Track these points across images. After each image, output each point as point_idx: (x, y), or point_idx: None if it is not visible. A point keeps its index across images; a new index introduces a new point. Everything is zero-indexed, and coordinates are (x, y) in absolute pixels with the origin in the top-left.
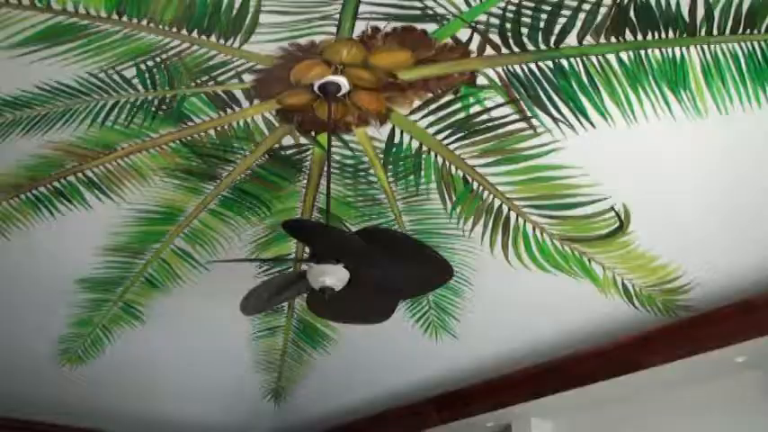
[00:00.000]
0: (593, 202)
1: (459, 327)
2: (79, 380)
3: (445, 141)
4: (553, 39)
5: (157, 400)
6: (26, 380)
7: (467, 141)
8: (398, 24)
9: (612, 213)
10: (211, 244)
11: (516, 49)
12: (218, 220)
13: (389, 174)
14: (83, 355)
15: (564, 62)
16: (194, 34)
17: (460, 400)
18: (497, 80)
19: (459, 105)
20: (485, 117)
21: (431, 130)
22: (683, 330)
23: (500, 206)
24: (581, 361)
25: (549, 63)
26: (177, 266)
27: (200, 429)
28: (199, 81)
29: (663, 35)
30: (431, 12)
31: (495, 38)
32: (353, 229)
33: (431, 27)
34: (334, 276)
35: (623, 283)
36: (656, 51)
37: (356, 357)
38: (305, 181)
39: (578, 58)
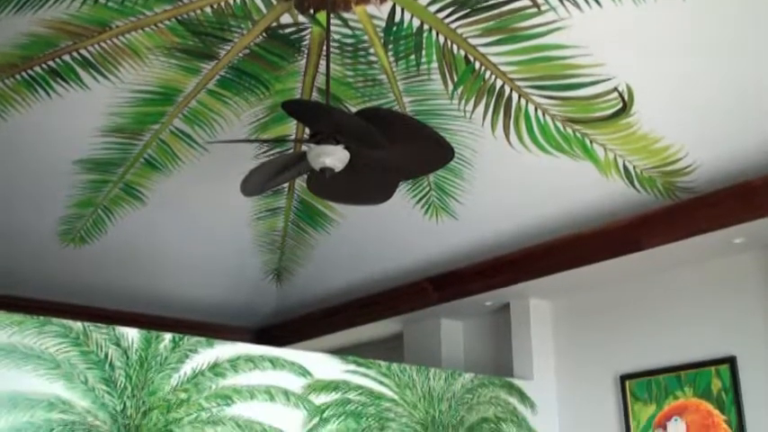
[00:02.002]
0: (596, 82)
1: (459, 208)
2: (82, 259)
3: (447, 19)
4: None
5: (160, 280)
6: (28, 259)
7: (469, 20)
8: None
9: (616, 94)
10: (210, 125)
11: None
12: (217, 101)
13: (390, 53)
14: (85, 235)
15: None
16: None
17: (459, 280)
18: None
19: None
20: None
21: (432, 8)
22: (683, 212)
23: (502, 86)
24: (580, 242)
25: None
26: (177, 148)
27: (203, 308)
28: None
29: None
30: None
31: None
32: (354, 110)
33: None
34: (334, 157)
35: (624, 165)
36: None
37: (356, 238)
38: (304, 61)
39: None
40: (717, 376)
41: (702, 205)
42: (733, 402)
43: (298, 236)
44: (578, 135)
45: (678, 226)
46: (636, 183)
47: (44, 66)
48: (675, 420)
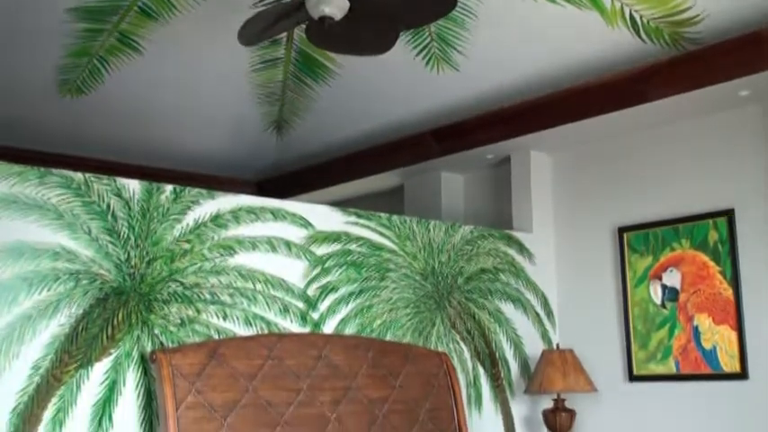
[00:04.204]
0: None
1: (461, 59)
2: (80, 111)
3: None
4: None
5: (159, 132)
6: (26, 110)
7: None
8: None
9: None
10: None
11: None
12: None
13: None
14: (82, 85)
15: None
16: None
17: (460, 132)
18: None
19: None
20: None
21: None
22: (689, 63)
23: None
24: (584, 94)
25: None
26: None
27: (203, 160)
28: None
29: None
30: None
31: None
32: None
33: None
34: (333, 5)
35: (631, 15)
36: None
37: (357, 89)
38: None
39: None
40: (714, 228)
41: (709, 56)
42: (728, 254)
43: (297, 87)
44: None
45: (684, 77)
46: (642, 33)
47: None
48: (671, 271)
